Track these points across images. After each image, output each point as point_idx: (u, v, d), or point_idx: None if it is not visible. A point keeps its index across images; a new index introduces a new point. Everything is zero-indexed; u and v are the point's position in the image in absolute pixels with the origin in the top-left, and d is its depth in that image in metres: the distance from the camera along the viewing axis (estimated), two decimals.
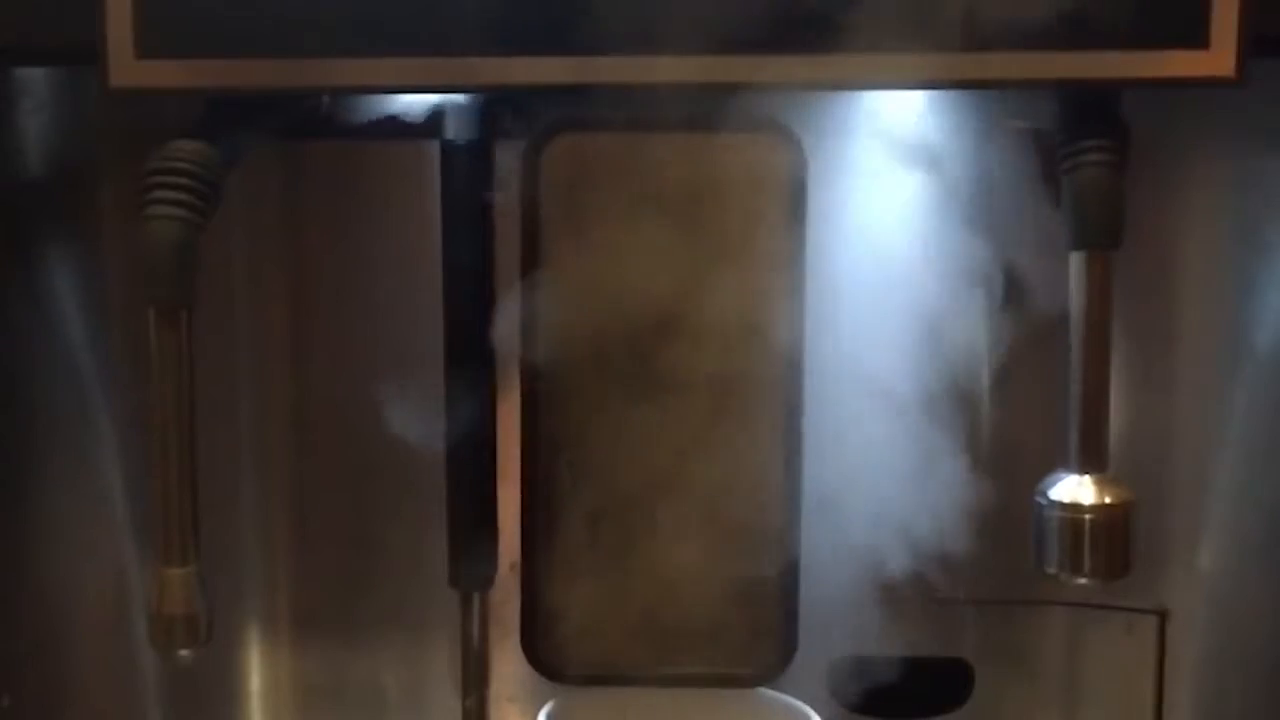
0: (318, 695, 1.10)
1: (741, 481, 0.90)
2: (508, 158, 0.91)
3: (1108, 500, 0.83)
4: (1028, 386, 1.01)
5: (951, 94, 0.86)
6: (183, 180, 0.79)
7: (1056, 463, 0.84)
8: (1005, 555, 0.98)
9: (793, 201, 0.88)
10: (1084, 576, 0.84)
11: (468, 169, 0.93)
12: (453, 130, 0.93)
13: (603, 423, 0.90)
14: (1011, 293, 0.96)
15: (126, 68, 0.80)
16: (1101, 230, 0.81)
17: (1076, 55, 0.77)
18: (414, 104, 0.91)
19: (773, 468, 0.90)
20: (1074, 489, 0.83)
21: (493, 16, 0.79)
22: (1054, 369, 0.84)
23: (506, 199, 0.92)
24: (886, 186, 0.90)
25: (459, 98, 0.91)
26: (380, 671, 1.09)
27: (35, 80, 0.96)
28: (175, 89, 0.80)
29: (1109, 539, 0.83)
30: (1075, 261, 0.82)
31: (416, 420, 0.98)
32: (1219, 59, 0.78)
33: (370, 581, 1.07)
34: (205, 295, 0.82)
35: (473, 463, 0.96)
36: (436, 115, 0.92)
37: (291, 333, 1.06)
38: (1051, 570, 0.84)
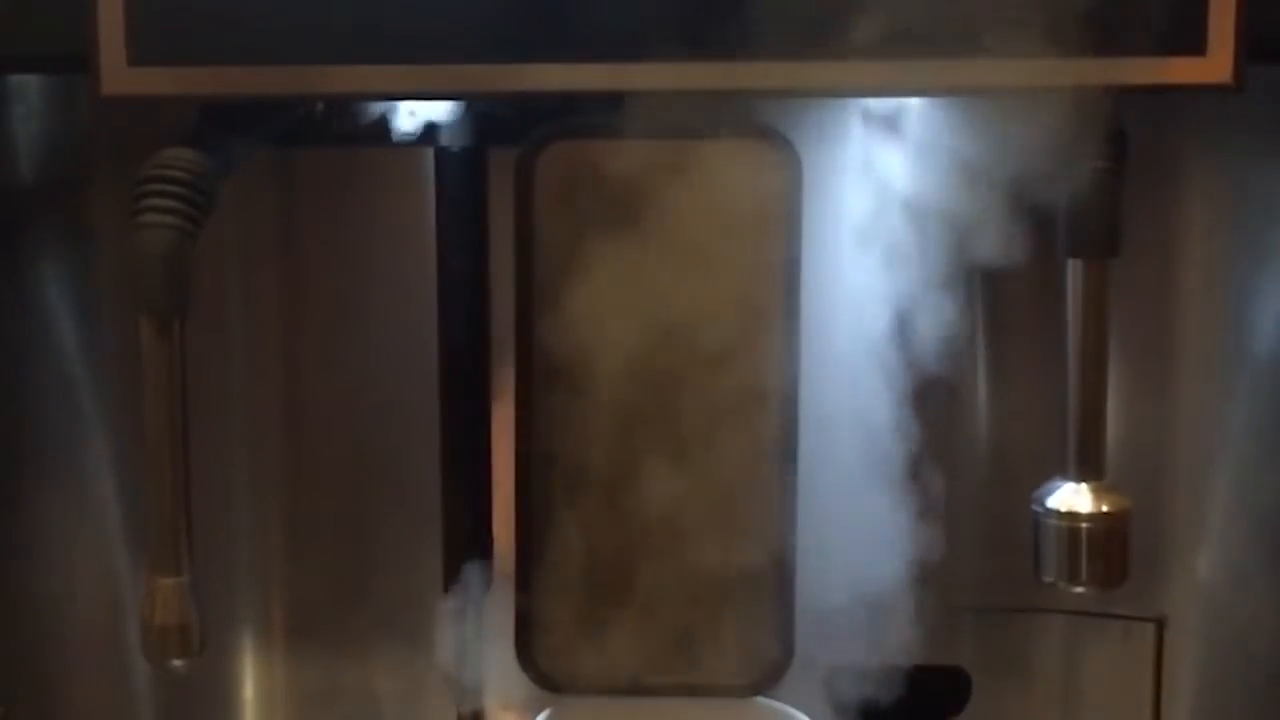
0: (312, 704, 1.10)
1: (736, 492, 0.90)
2: (502, 164, 0.91)
3: (1105, 508, 0.83)
4: (1026, 393, 1.01)
5: (948, 100, 0.86)
6: (176, 188, 0.79)
7: (1054, 471, 0.84)
8: (1003, 563, 0.98)
9: (788, 207, 0.88)
10: (1081, 584, 0.84)
11: (462, 176, 0.93)
12: (447, 137, 0.92)
13: (597, 431, 0.90)
14: (1008, 298, 0.96)
15: (118, 75, 0.79)
16: (1099, 238, 0.81)
17: (1074, 62, 0.77)
18: (408, 111, 0.90)
19: (768, 477, 0.89)
20: (1071, 497, 0.83)
21: (486, 23, 0.79)
22: (1053, 376, 0.84)
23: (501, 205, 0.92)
24: (881, 191, 0.90)
25: (453, 104, 0.91)
26: (375, 680, 1.09)
27: (28, 88, 0.96)
28: (167, 96, 0.80)
29: (1106, 547, 0.83)
30: (1072, 269, 0.81)
31: (410, 429, 0.98)
32: (1216, 65, 0.78)
33: (365, 590, 1.07)
34: (199, 303, 0.81)
35: (467, 471, 0.96)
36: (431, 122, 0.92)
37: (285, 340, 1.06)
38: (1049, 578, 0.84)
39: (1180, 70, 0.78)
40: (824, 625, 0.92)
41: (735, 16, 0.77)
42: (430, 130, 0.92)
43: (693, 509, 0.90)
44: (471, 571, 0.97)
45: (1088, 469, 0.83)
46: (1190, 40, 0.78)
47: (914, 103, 0.88)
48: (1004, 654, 1.07)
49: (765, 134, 0.87)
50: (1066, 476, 0.83)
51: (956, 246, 0.89)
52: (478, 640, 0.99)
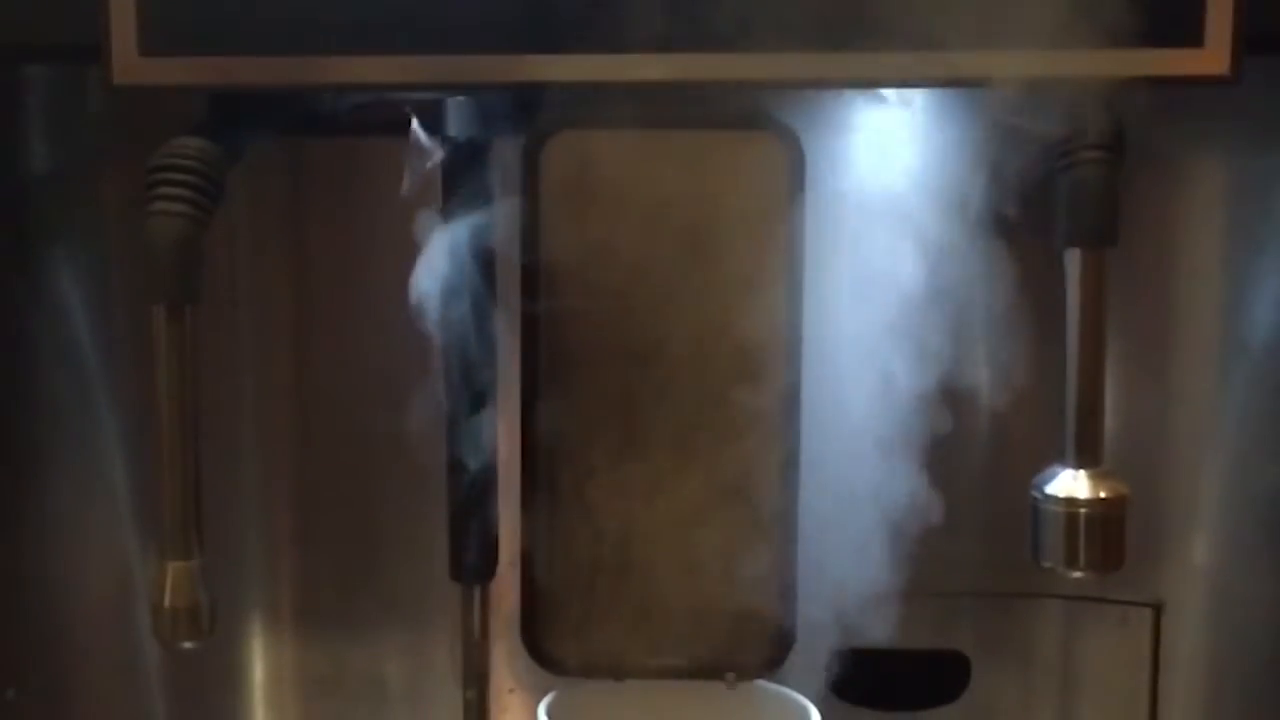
0: (320, 686, 1.10)
1: (740, 476, 0.90)
2: (508, 154, 0.91)
3: (1103, 494, 0.83)
4: (1026, 380, 1.02)
5: (949, 92, 0.87)
6: (186, 177, 0.80)
7: (1053, 457, 0.84)
8: (1002, 548, 0.99)
9: (791, 198, 0.88)
10: (1079, 570, 0.84)
11: (469, 166, 0.94)
12: (454, 127, 0.93)
13: (602, 418, 0.91)
14: (1008, 285, 0.97)
15: (130, 65, 0.80)
16: (1096, 228, 0.81)
17: (1072, 54, 0.78)
18: (416, 101, 0.91)
19: (771, 462, 0.90)
20: (1069, 483, 0.83)
21: (495, 15, 0.79)
22: (1052, 364, 0.84)
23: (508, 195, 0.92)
24: (884, 183, 0.91)
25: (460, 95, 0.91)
26: (382, 663, 1.10)
27: (40, 77, 0.97)
28: (178, 86, 0.81)
29: (1104, 532, 0.84)
30: (1070, 258, 0.82)
31: (418, 414, 0.99)
32: (1214, 57, 0.79)
33: (372, 574, 1.07)
34: (209, 291, 0.82)
35: (474, 456, 0.96)
36: (438, 112, 0.92)
37: (294, 328, 1.06)
38: (1047, 563, 0.85)
39: (1178, 62, 0.78)
40: (826, 609, 0.93)
41: (740, 8, 0.78)
42: (437, 120, 0.92)
43: (696, 494, 0.91)
44: (478, 555, 0.98)
45: (1086, 455, 0.83)
46: (1188, 32, 0.78)
47: (913, 93, 0.89)
48: (1003, 638, 1.07)
49: (769, 125, 0.88)
50: (1065, 463, 0.84)
51: (957, 237, 0.89)
52: (484, 624, 1.00)
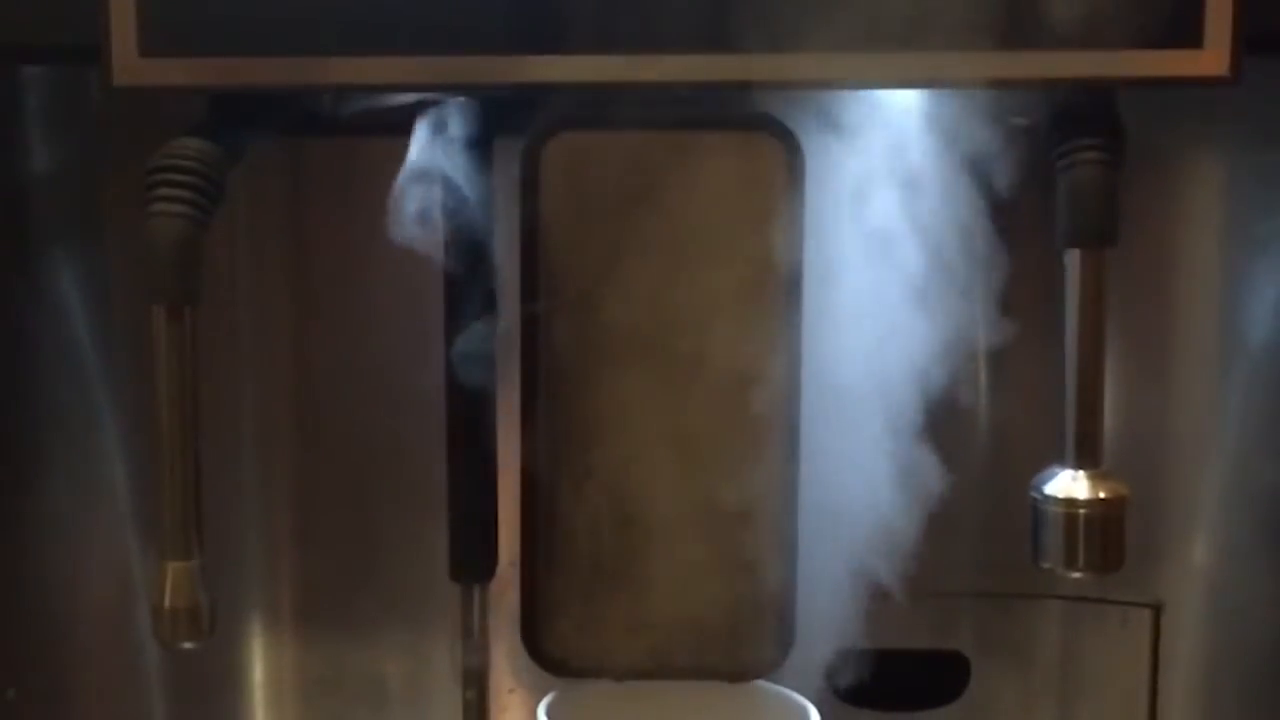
0: (320, 687, 1.11)
1: (739, 477, 0.90)
2: (509, 155, 0.91)
3: (1102, 495, 0.83)
4: (1025, 381, 1.02)
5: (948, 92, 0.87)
6: (186, 178, 0.80)
7: (1052, 458, 0.84)
8: (1002, 549, 0.99)
9: (791, 199, 0.88)
10: (1079, 570, 0.85)
11: (469, 166, 0.94)
12: (454, 127, 0.93)
13: (602, 418, 0.91)
14: (1008, 287, 0.97)
15: (130, 66, 0.80)
16: (1096, 228, 0.81)
17: (1072, 54, 0.78)
18: (416, 101, 0.91)
19: (770, 464, 0.90)
20: (1069, 484, 0.84)
21: (495, 15, 0.80)
22: (1051, 364, 0.85)
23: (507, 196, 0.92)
24: (884, 183, 0.91)
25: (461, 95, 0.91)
26: (382, 663, 1.10)
27: (40, 77, 0.97)
28: (179, 88, 0.81)
29: (1104, 533, 0.84)
30: (1070, 259, 0.82)
31: (417, 415, 0.99)
32: (1213, 58, 0.79)
33: (372, 574, 1.07)
34: (208, 291, 0.82)
35: (474, 456, 0.97)
36: (439, 112, 0.92)
37: (294, 328, 1.06)
38: (1047, 564, 0.85)
39: (1177, 63, 0.79)
40: (825, 610, 0.93)
41: (741, 8, 0.78)
42: (438, 120, 0.92)
43: (697, 496, 0.91)
44: (478, 556, 0.98)
45: (1085, 456, 0.84)
46: (1187, 33, 0.78)
47: (914, 94, 0.89)
48: (1003, 639, 1.07)
49: (769, 126, 0.88)
50: (1065, 464, 0.84)
51: (957, 236, 0.89)
52: (484, 624, 1.00)
